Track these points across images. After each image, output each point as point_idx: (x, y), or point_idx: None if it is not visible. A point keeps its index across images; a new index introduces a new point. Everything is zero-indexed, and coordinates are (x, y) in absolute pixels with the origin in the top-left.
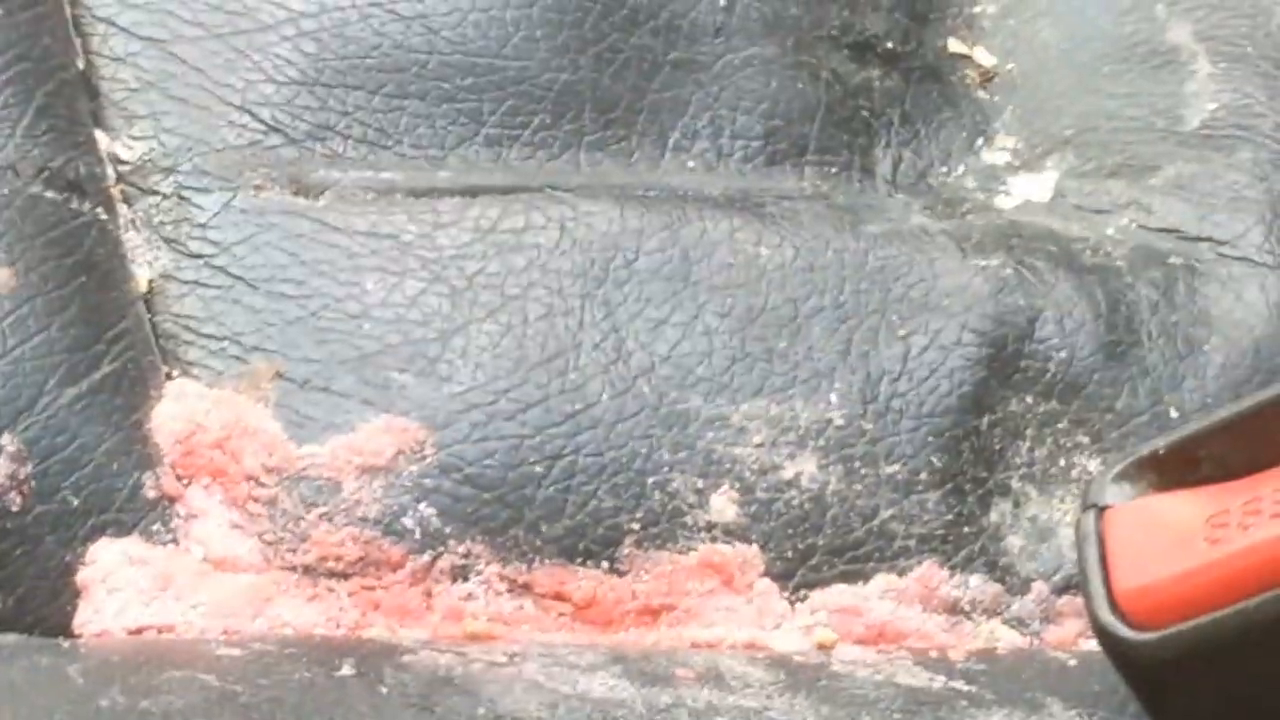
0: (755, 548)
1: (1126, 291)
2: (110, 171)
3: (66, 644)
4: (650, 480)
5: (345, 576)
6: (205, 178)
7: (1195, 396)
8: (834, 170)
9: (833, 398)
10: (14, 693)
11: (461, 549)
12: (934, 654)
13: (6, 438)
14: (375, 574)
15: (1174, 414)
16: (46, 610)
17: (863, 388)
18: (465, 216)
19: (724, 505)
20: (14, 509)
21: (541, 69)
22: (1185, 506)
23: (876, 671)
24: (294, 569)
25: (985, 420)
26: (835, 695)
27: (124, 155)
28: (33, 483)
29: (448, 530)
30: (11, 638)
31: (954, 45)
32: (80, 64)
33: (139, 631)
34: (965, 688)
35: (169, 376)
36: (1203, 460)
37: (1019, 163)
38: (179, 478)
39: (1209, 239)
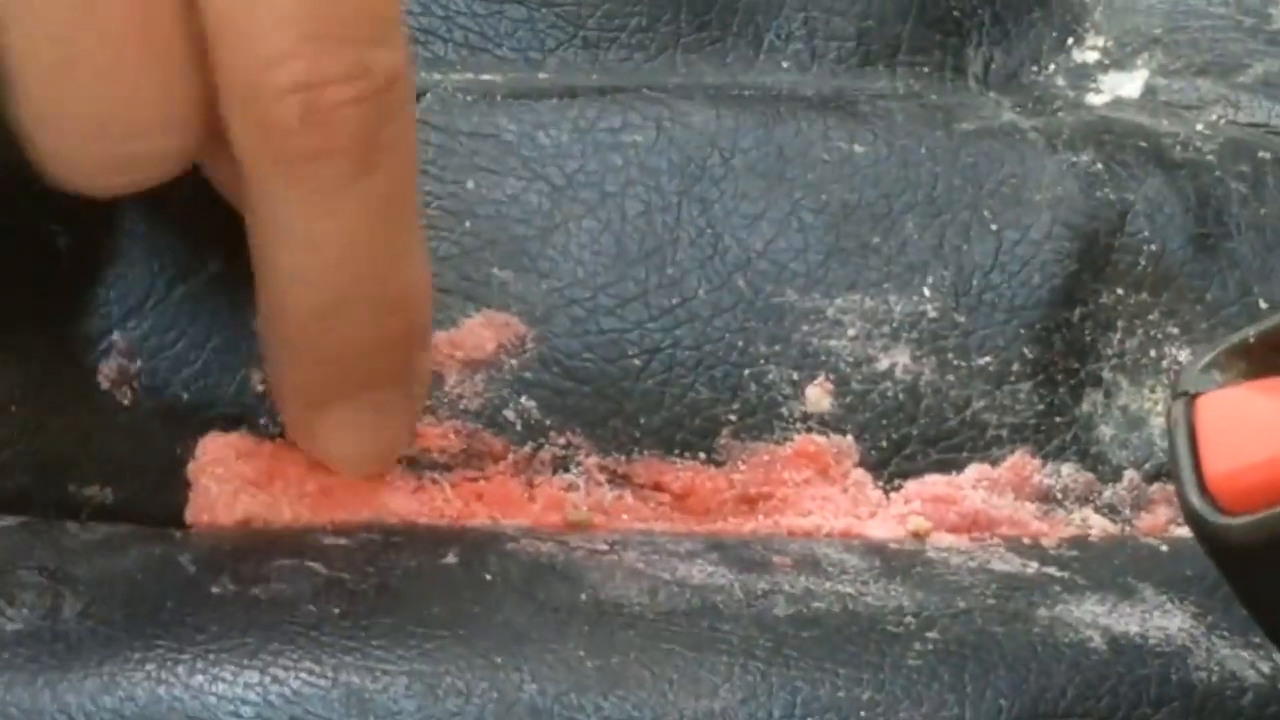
0: (850, 438)
1: (1216, 185)
2: None
3: (178, 534)
4: (746, 373)
5: (448, 468)
6: None
7: None
8: (926, 70)
9: (926, 291)
10: (128, 580)
11: (562, 440)
12: (1027, 541)
13: (117, 335)
14: (478, 465)
15: (1263, 304)
16: (158, 502)
17: (955, 281)
18: (564, 117)
19: (819, 396)
20: (125, 404)
21: None
22: (1275, 393)
23: (970, 558)
24: (398, 461)
25: (1077, 312)
26: (930, 581)
27: None
28: (143, 379)
29: (548, 422)
30: (125, 528)
31: None
32: None
33: (247, 522)
34: (1058, 573)
35: None
36: None
37: (1109, 61)
38: None
39: None
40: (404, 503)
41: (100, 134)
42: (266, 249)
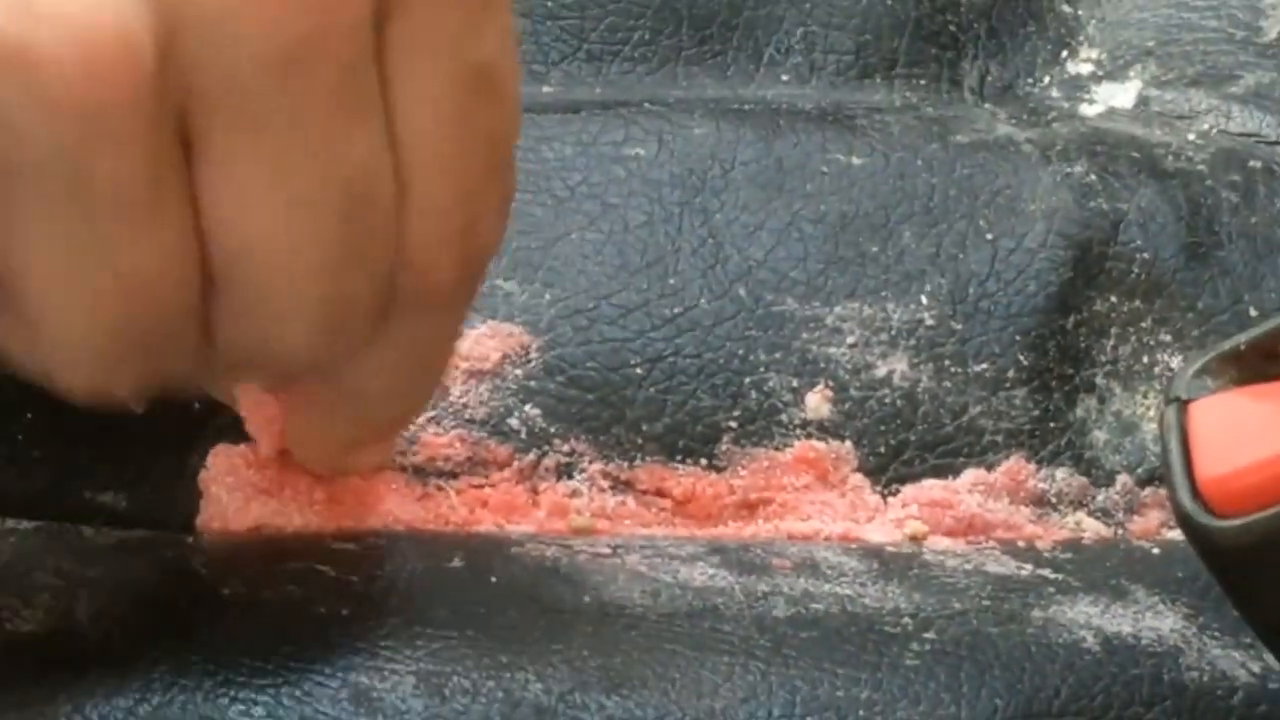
0: (849, 444)
1: (1208, 195)
2: None
3: (190, 539)
4: (747, 380)
5: (454, 475)
6: None
7: (1274, 295)
8: (923, 83)
9: (923, 299)
10: (141, 583)
11: (566, 448)
12: (1022, 544)
13: None
14: (483, 473)
15: (1253, 312)
16: (170, 508)
17: (952, 289)
18: (567, 130)
19: (818, 403)
20: (139, 411)
21: None
22: (1265, 399)
23: (966, 561)
24: (405, 469)
25: (1071, 319)
26: (926, 583)
27: None
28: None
29: (552, 430)
30: (138, 533)
31: None
32: None
33: (258, 529)
34: (1052, 575)
35: None
36: None
37: (1102, 73)
38: None
39: None
40: (410, 509)
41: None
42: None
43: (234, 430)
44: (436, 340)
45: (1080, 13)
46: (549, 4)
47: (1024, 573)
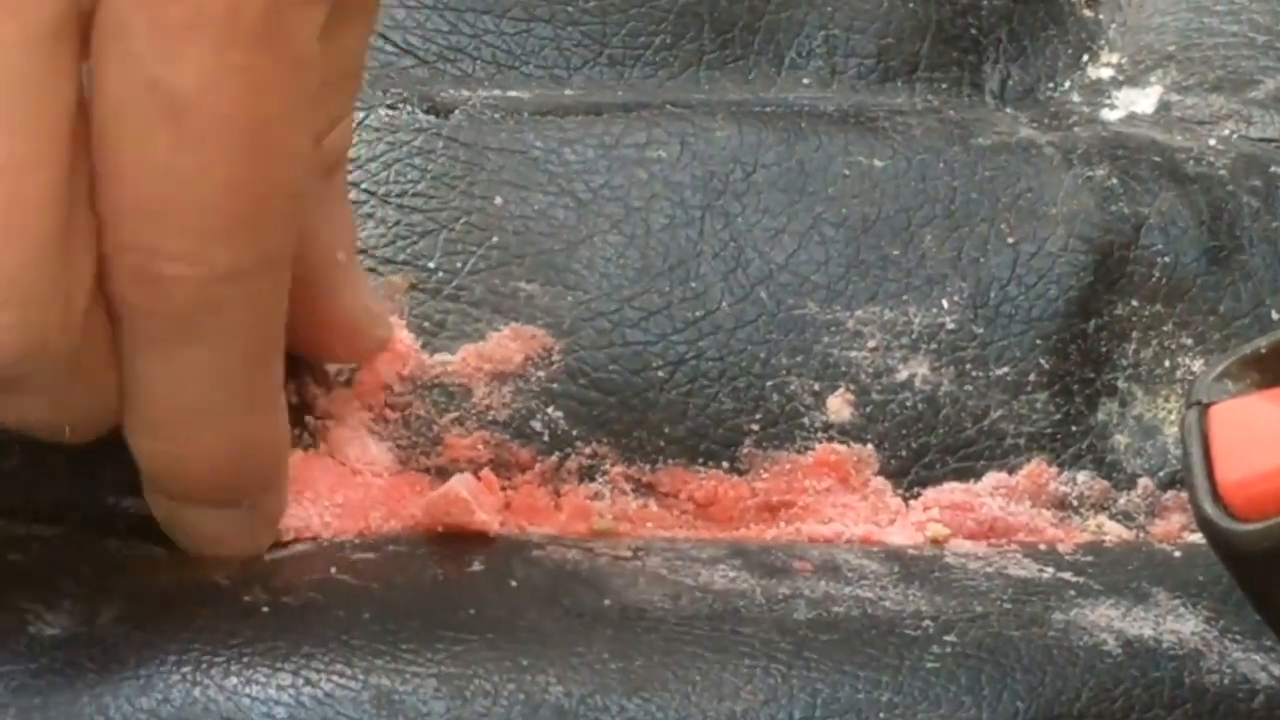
0: (870, 447)
1: (1228, 199)
2: None
3: None
4: (769, 383)
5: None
6: None
7: None
8: (944, 86)
9: (944, 303)
10: (163, 592)
11: (588, 450)
12: (1043, 547)
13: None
14: (505, 475)
15: (1275, 315)
16: None
17: (973, 293)
18: (590, 133)
19: (840, 406)
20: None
21: None
22: None
23: (988, 564)
24: (427, 471)
25: (1092, 323)
26: (948, 586)
27: None
28: None
29: (574, 432)
30: (160, 551)
31: None
32: None
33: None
34: (1073, 578)
35: None
36: None
37: (1123, 77)
38: (318, 386)
39: None
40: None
41: None
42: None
43: None
44: (178, 375)
45: (1101, 17)
46: (570, 9)
47: (1045, 576)
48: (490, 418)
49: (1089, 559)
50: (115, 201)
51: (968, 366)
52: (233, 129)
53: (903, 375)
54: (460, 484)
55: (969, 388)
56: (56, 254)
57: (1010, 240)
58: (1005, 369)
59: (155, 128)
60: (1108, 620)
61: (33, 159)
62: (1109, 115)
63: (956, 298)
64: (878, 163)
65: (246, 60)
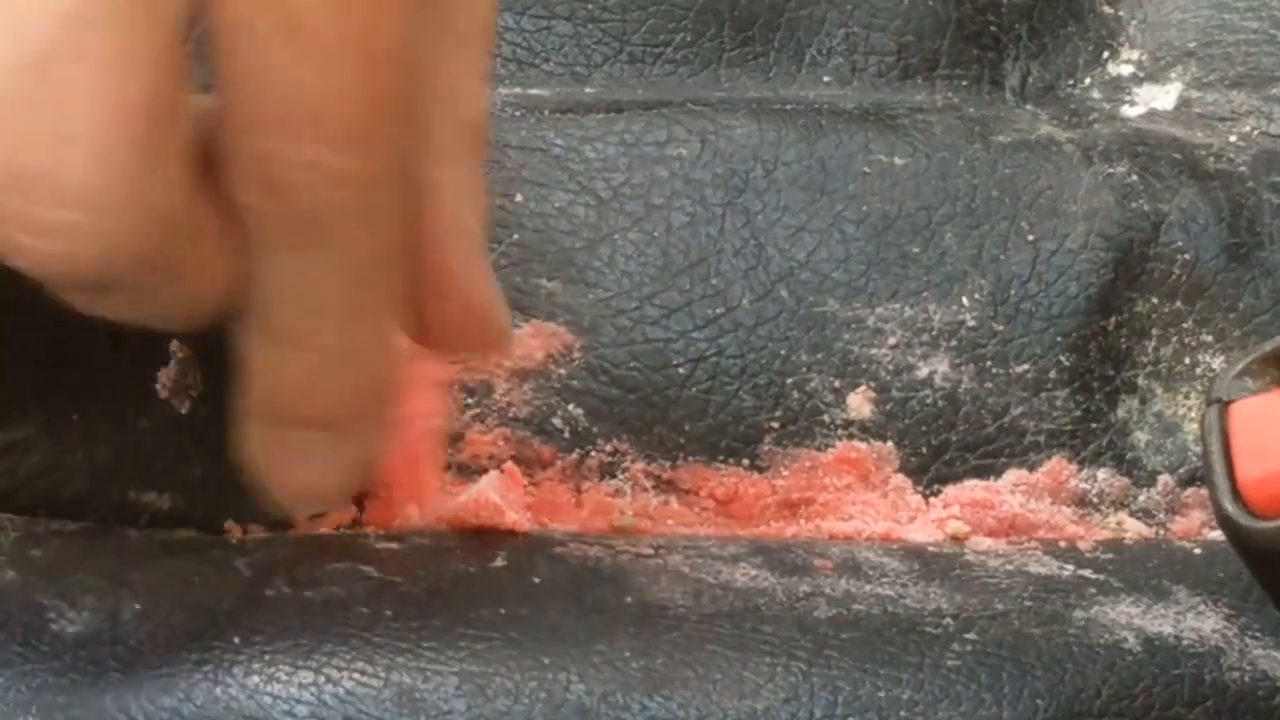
0: (890, 444)
1: (1249, 196)
2: None
3: (233, 539)
4: (789, 380)
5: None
6: None
7: None
8: (964, 83)
9: (965, 300)
10: (185, 584)
11: (609, 447)
12: (1063, 544)
13: (176, 344)
14: (526, 472)
15: None
16: (214, 508)
17: (994, 290)
18: (610, 131)
19: (860, 404)
20: (183, 411)
21: None
22: None
23: (1008, 561)
24: (449, 467)
25: (1112, 320)
26: (968, 583)
27: None
28: (201, 387)
29: (595, 430)
30: (181, 533)
31: None
32: None
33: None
34: (1094, 576)
35: None
36: None
37: (1143, 74)
38: None
39: None
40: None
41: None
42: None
43: None
44: (300, 279)
45: (1122, 14)
46: (590, 7)
47: (1065, 573)
48: (511, 414)
49: (1109, 556)
50: (235, 110)
51: (988, 364)
52: (346, 39)
53: (923, 372)
54: (489, 486)
55: (989, 385)
56: (142, 158)
57: (1030, 237)
58: (1025, 366)
59: (273, 38)
60: (1128, 618)
61: (141, 58)
62: (1129, 112)
63: (977, 295)
64: (898, 160)
65: None
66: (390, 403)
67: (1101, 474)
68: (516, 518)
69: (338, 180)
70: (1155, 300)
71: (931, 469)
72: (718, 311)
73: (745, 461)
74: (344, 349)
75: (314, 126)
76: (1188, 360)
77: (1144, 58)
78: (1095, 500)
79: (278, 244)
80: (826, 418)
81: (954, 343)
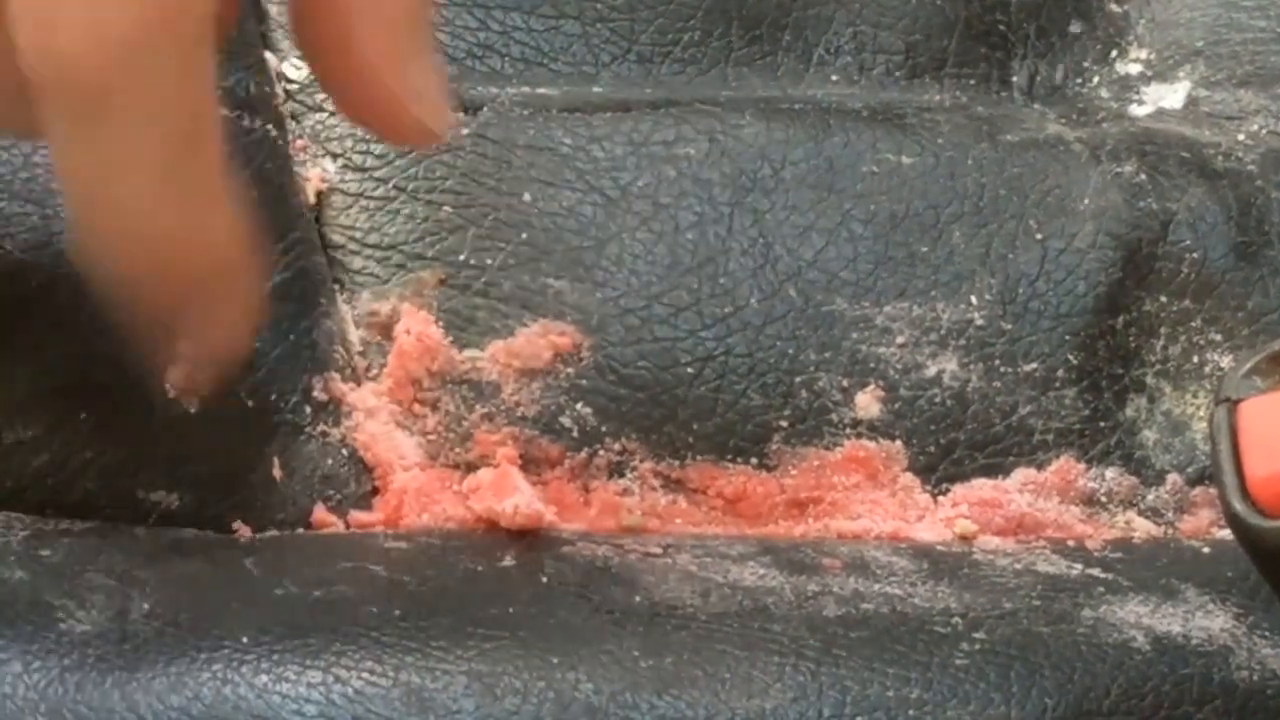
0: (899, 443)
1: (1257, 195)
2: (279, 90)
3: (242, 539)
4: (797, 379)
5: None
6: None
7: None
8: (972, 82)
9: (973, 299)
10: (193, 583)
11: (617, 446)
12: (1071, 543)
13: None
14: (535, 471)
15: None
16: (223, 507)
17: (1002, 289)
18: (618, 130)
19: (869, 403)
20: (191, 410)
21: None
22: None
23: (1016, 560)
24: (457, 467)
25: (1121, 319)
26: (977, 583)
27: (291, 75)
28: (209, 386)
29: (603, 429)
30: (191, 533)
31: None
32: None
33: (310, 527)
34: (1102, 575)
35: (338, 284)
36: None
37: (1151, 73)
38: (347, 381)
39: None
40: (462, 507)
41: None
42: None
43: (287, 425)
44: (93, 153)
45: (1130, 13)
46: (599, 6)
47: (1074, 572)
48: (519, 414)
49: (1117, 555)
50: None
51: (996, 363)
52: None
53: (931, 371)
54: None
55: (997, 384)
56: None
57: (1039, 236)
58: (1034, 365)
59: None
60: (1136, 617)
61: None
62: (1137, 111)
63: (985, 294)
64: (906, 159)
65: None
66: (243, 271)
67: (1110, 473)
68: (531, 495)
69: (118, 41)
70: (1164, 299)
71: (940, 468)
72: (726, 310)
73: (753, 460)
74: (167, 236)
75: None
76: (1196, 359)
77: (1152, 56)
78: (1103, 499)
79: (68, 121)
80: (835, 417)
81: (962, 341)
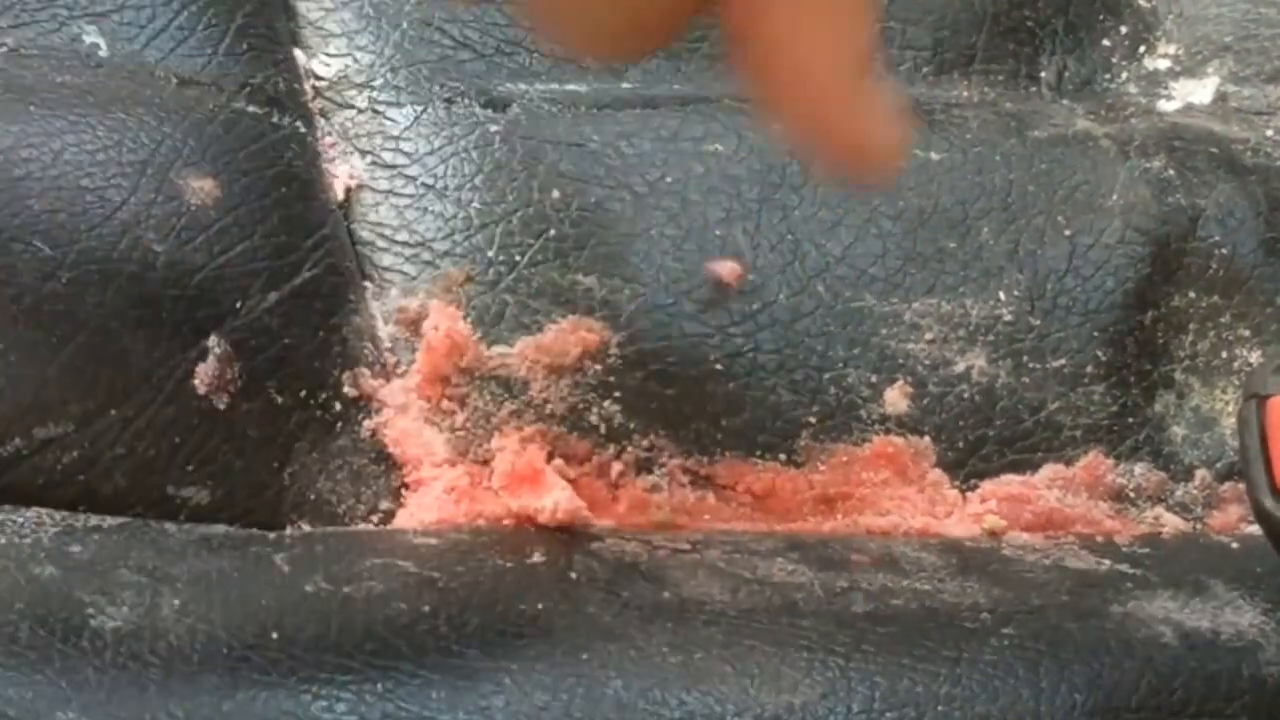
0: (927, 439)
1: None
2: (308, 87)
3: (272, 534)
4: (826, 376)
5: None
6: (398, 92)
7: None
8: (1000, 78)
9: (1001, 295)
10: (224, 580)
11: (645, 443)
12: (1100, 539)
13: (214, 340)
14: (563, 468)
15: None
16: (254, 503)
17: (1030, 285)
18: (647, 126)
19: (897, 399)
20: (221, 407)
21: None
22: None
23: (1045, 556)
24: (485, 463)
25: (1149, 315)
26: (1005, 578)
27: (320, 72)
28: (239, 382)
29: (632, 425)
30: (221, 528)
31: None
32: None
33: (340, 523)
34: (1131, 570)
35: (367, 280)
36: None
37: (1180, 68)
38: (376, 377)
39: None
40: (490, 503)
41: None
42: None
43: (317, 422)
44: None
45: (1158, 8)
46: None
47: (1102, 568)
48: (548, 410)
49: (1146, 551)
50: None
51: (1025, 358)
52: None
53: (960, 367)
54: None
55: (1026, 380)
56: None
57: (1067, 232)
58: (1062, 361)
59: None
60: (1165, 612)
61: None
62: (1165, 106)
63: (1014, 290)
64: (934, 155)
65: None
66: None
67: (1139, 468)
68: (579, 505)
69: None
70: (1192, 295)
71: (968, 464)
72: (755, 307)
73: (782, 456)
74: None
75: None
76: (1225, 354)
77: (1180, 52)
78: (1132, 495)
79: None
80: (863, 412)
81: (991, 337)
